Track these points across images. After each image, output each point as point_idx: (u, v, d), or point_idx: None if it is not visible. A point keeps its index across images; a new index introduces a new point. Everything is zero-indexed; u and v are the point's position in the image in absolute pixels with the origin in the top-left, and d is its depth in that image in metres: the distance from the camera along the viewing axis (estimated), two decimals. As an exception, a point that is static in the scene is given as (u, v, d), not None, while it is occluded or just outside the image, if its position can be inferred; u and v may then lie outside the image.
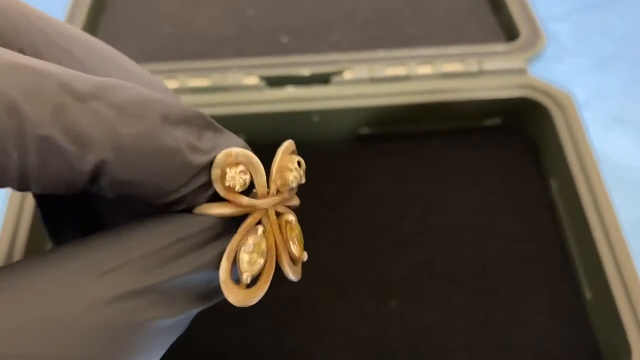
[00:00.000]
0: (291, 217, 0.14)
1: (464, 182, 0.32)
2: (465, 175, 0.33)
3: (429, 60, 0.33)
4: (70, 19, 0.36)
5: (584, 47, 0.41)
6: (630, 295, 0.26)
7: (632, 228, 0.29)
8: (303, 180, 0.14)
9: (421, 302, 0.28)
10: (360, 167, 0.33)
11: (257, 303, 0.29)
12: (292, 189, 0.14)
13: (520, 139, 0.34)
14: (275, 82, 0.33)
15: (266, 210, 0.13)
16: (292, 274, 0.14)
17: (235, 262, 0.13)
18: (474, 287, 0.29)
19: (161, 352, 0.13)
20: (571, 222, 0.30)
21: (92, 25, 0.37)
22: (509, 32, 0.36)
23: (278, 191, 0.14)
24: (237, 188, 0.13)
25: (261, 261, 0.13)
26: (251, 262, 0.13)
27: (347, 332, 0.28)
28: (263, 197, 0.13)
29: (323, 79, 0.33)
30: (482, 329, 0.28)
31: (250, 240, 0.13)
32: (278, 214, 0.14)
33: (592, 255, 0.27)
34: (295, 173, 0.14)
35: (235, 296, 0.12)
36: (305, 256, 0.14)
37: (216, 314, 0.28)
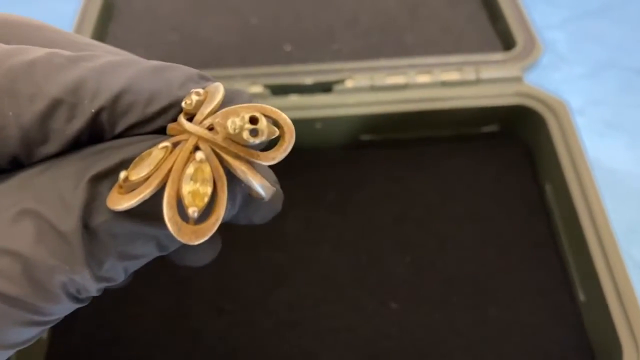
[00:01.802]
0: (201, 155, 0.13)
1: (462, 186, 0.33)
2: (463, 180, 0.34)
3: (428, 69, 0.34)
4: (79, 28, 0.37)
5: (579, 55, 0.42)
6: (622, 298, 0.27)
7: (624, 232, 0.30)
8: (250, 140, 0.13)
9: (421, 303, 0.29)
10: (361, 172, 0.34)
11: (261, 305, 0.30)
12: (232, 139, 0.13)
13: (516, 145, 0.35)
14: (279, 90, 0.34)
15: (190, 136, 0.13)
16: (178, 229, 0.12)
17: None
18: (472, 288, 0.30)
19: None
20: (565, 226, 0.31)
21: (101, 35, 0.38)
22: (506, 41, 0.37)
23: (212, 130, 0.13)
24: (184, 105, 0.14)
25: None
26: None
27: (349, 333, 0.28)
28: (196, 122, 0.13)
29: (325, 88, 0.34)
30: (480, 329, 0.28)
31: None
32: (197, 150, 0.13)
33: (586, 259, 0.28)
34: (238, 122, 0.13)
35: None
36: (194, 212, 0.12)
37: (221, 315, 0.29)
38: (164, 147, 0.13)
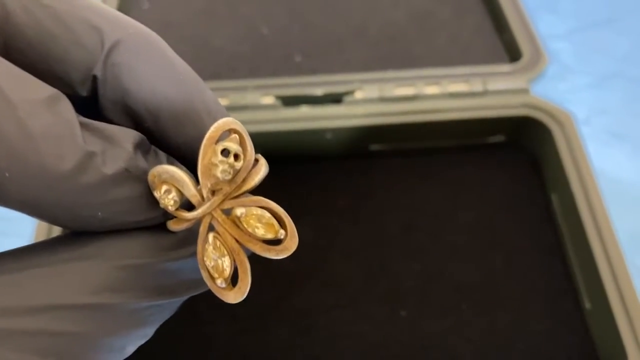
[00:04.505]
0: (241, 210, 0.13)
1: (469, 196, 0.34)
2: (471, 189, 0.34)
3: (436, 80, 0.35)
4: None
5: (585, 65, 0.42)
6: (626, 305, 0.27)
7: (628, 240, 0.30)
8: (240, 164, 0.13)
9: (430, 310, 0.30)
10: (371, 181, 0.35)
11: (273, 311, 0.31)
12: (231, 180, 0.13)
13: (523, 156, 0.36)
14: (290, 101, 0.35)
15: (212, 214, 0.13)
16: (277, 255, 0.13)
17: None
18: (479, 296, 0.30)
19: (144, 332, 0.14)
20: (571, 235, 0.31)
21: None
22: (512, 53, 0.37)
23: (215, 191, 0.13)
24: (170, 208, 0.13)
25: (227, 262, 0.13)
26: (218, 267, 0.13)
27: (360, 339, 0.29)
28: (199, 205, 0.13)
29: (335, 99, 0.35)
30: (488, 336, 0.29)
31: (209, 249, 0.13)
32: (229, 211, 0.13)
33: (591, 267, 0.29)
34: (221, 166, 0.13)
35: (226, 298, 0.13)
36: (282, 233, 0.13)
37: (234, 321, 0.30)
38: (214, 238, 0.13)
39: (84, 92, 0.14)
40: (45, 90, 0.12)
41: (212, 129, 0.13)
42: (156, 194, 0.13)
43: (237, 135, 0.13)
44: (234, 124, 0.13)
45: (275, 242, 0.13)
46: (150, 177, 0.13)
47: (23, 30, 0.13)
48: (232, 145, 0.13)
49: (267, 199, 0.13)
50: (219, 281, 0.13)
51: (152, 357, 0.29)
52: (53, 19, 0.13)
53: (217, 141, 0.13)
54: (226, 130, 0.13)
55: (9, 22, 0.13)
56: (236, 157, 0.13)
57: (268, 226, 0.13)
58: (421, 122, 0.34)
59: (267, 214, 0.13)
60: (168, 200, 0.13)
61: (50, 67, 0.13)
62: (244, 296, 0.13)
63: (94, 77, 0.13)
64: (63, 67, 0.13)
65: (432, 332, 0.29)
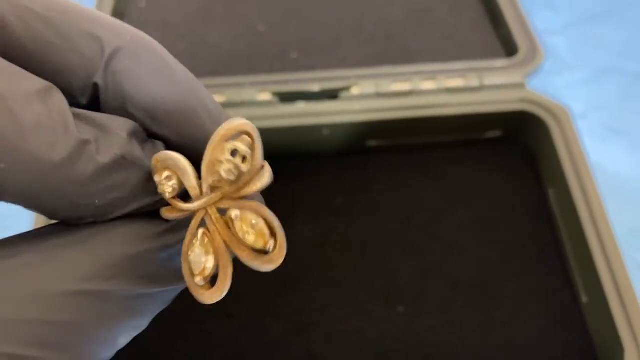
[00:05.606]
0: (236, 212, 0.13)
1: (466, 191, 0.34)
2: (467, 184, 0.34)
3: (432, 75, 0.35)
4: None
5: (581, 60, 0.42)
6: (623, 299, 0.27)
7: (625, 235, 0.30)
8: (246, 167, 0.13)
9: (426, 306, 0.30)
10: (368, 177, 0.35)
11: (270, 308, 0.31)
12: (233, 181, 0.13)
13: (520, 151, 0.35)
14: (287, 97, 0.35)
15: (206, 210, 0.13)
16: (262, 266, 0.13)
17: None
18: (476, 291, 0.30)
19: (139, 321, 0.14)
20: (568, 230, 0.31)
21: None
22: (509, 48, 0.37)
23: (215, 188, 0.13)
24: (167, 195, 0.13)
25: (211, 262, 0.13)
26: (200, 265, 0.13)
27: (357, 335, 0.29)
28: (197, 199, 0.13)
29: (332, 95, 0.35)
30: (484, 332, 0.29)
31: (196, 244, 0.13)
32: (225, 211, 0.13)
33: (588, 261, 0.29)
34: (227, 165, 0.12)
35: (200, 297, 0.13)
36: (271, 245, 0.13)
37: (231, 319, 0.30)
38: (203, 234, 0.13)
39: (84, 100, 0.14)
40: (36, 82, 0.12)
41: (225, 126, 0.13)
42: (156, 178, 0.13)
43: (248, 138, 0.13)
44: (249, 127, 0.13)
45: (264, 252, 0.13)
46: (153, 162, 0.13)
47: (21, 41, 0.13)
48: (242, 147, 0.12)
49: (264, 207, 0.13)
50: (197, 279, 0.13)
51: (150, 354, 0.29)
52: (50, 29, 0.13)
53: (228, 140, 0.13)
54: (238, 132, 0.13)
55: (6, 32, 0.13)
56: (244, 159, 0.13)
57: (259, 234, 0.13)
58: (418, 117, 0.34)
59: (262, 222, 0.13)
60: (167, 186, 0.13)
61: (51, 77, 0.13)
62: (220, 298, 0.13)
63: (95, 85, 0.13)
64: (63, 77, 0.13)
65: (428, 328, 0.29)
